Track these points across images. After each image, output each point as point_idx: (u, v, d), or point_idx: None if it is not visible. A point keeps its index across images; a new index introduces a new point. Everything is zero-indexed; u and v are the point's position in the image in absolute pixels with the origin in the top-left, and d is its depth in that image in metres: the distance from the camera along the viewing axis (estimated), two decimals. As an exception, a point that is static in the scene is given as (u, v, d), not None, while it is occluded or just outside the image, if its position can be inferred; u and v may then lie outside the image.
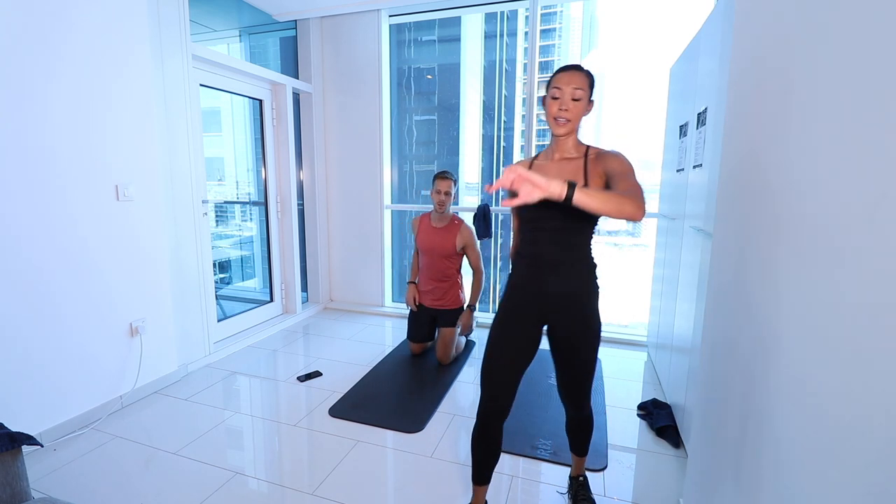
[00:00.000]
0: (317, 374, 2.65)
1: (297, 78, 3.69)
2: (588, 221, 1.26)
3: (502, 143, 5.90)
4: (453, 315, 2.82)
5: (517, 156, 5.17)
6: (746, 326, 1.05)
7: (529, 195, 0.95)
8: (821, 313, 0.75)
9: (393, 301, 4.09)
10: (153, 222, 2.35)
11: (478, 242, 2.88)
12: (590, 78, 1.25)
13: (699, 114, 1.95)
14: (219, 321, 3.05)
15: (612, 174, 1.20)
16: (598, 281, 1.36)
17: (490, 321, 1.51)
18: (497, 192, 3.36)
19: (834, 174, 0.73)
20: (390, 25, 3.70)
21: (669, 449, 1.95)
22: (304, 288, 3.99)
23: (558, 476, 1.77)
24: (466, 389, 2.51)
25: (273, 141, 3.49)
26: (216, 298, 2.96)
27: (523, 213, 1.33)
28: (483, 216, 3.29)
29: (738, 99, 1.22)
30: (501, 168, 5.07)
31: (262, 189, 3.55)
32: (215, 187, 3.90)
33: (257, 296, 3.88)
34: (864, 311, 0.64)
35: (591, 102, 1.27)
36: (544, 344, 1.40)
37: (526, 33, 3.34)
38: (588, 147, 1.30)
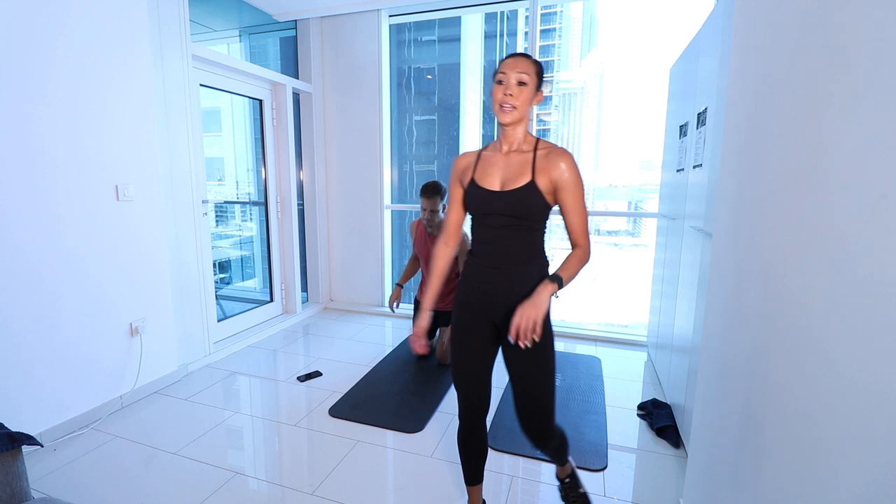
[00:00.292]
0: (317, 374, 2.65)
1: (297, 78, 3.69)
2: (538, 219, 1.20)
3: (502, 143, 5.88)
4: None
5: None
6: (746, 326, 1.05)
7: (538, 318, 1.08)
8: (821, 313, 0.75)
9: (393, 301, 4.08)
10: (153, 222, 2.35)
11: None
12: (537, 66, 1.19)
13: (699, 114, 1.95)
14: (219, 321, 3.05)
15: (563, 190, 1.16)
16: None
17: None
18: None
19: (834, 174, 0.73)
20: (390, 25, 3.69)
21: (669, 449, 1.95)
22: (304, 288, 3.99)
23: (558, 476, 1.78)
24: (466, 389, 2.51)
25: (273, 141, 3.49)
26: (216, 298, 2.96)
27: (472, 210, 1.26)
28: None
29: (738, 99, 1.21)
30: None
31: (262, 189, 3.55)
32: (215, 187, 3.90)
33: (257, 296, 3.89)
34: (863, 310, 0.64)
35: (539, 92, 1.20)
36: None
37: (526, 33, 3.34)
38: (538, 140, 1.23)
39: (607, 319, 3.74)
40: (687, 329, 1.92)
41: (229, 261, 4.21)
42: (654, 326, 2.82)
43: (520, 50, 3.41)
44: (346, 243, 3.97)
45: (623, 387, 2.55)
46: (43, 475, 1.73)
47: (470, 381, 1.31)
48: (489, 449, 1.60)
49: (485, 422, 1.37)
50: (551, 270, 1.21)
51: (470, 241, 1.32)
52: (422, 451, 1.92)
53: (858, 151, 0.67)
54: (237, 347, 3.05)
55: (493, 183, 1.21)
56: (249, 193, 4.07)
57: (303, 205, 3.87)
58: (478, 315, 1.28)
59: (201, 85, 2.81)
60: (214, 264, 3.03)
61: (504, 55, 1.22)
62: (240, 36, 3.62)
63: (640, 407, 2.27)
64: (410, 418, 2.16)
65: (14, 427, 1.70)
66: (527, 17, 3.30)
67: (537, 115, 3.43)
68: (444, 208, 2.65)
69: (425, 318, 1.36)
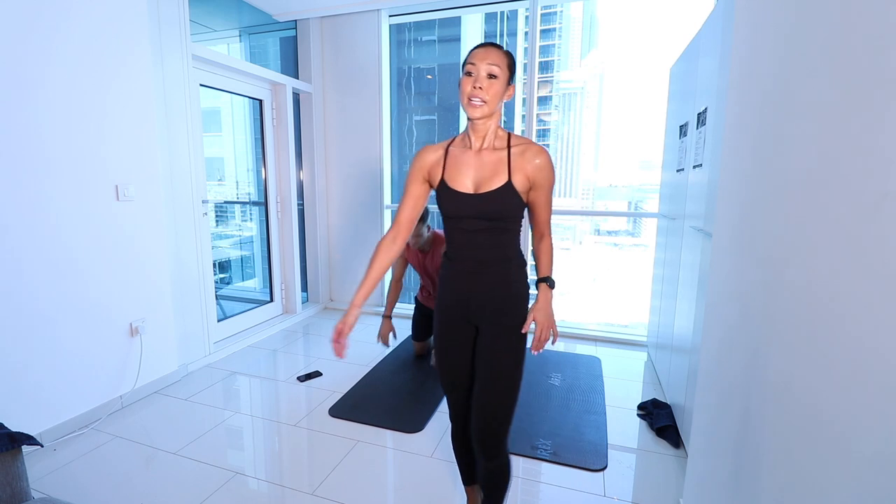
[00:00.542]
0: (317, 374, 2.65)
1: (297, 78, 3.69)
2: (514, 219, 1.16)
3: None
4: None
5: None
6: (746, 326, 1.05)
7: (554, 326, 1.19)
8: (820, 313, 0.75)
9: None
10: (153, 222, 2.35)
11: None
12: (509, 58, 1.12)
13: (699, 114, 1.96)
14: (219, 321, 3.05)
15: (538, 187, 1.14)
16: (528, 280, 1.25)
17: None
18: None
19: (834, 174, 0.73)
20: (390, 25, 3.69)
21: (669, 449, 1.95)
22: (304, 288, 3.99)
23: (558, 476, 1.78)
24: (466, 389, 2.51)
25: (273, 141, 3.49)
26: (216, 298, 2.96)
27: (445, 213, 1.21)
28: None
29: (738, 99, 1.21)
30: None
31: (262, 189, 3.55)
32: (215, 187, 3.90)
33: (257, 296, 3.89)
34: (863, 310, 0.64)
35: (511, 86, 1.14)
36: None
37: (526, 33, 3.34)
38: (510, 135, 1.17)
39: (607, 319, 3.75)
40: (687, 329, 1.92)
41: (229, 261, 4.21)
42: (654, 326, 2.82)
43: (520, 50, 3.40)
44: (346, 243, 3.97)
45: (623, 387, 2.55)
46: (43, 475, 1.73)
47: (457, 382, 1.30)
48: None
49: None
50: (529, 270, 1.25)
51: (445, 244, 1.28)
52: (422, 451, 1.92)
53: (860, 150, 0.67)
54: (237, 347, 3.05)
55: (465, 184, 1.15)
56: (249, 193, 4.07)
57: (303, 205, 3.87)
58: (459, 318, 1.24)
59: (201, 85, 2.81)
60: (214, 264, 3.03)
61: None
62: (240, 36, 3.62)
63: (640, 407, 2.27)
64: (410, 418, 2.16)
65: (14, 427, 1.70)
66: (527, 17, 3.30)
67: (537, 115, 3.43)
68: (428, 229, 2.60)
69: (353, 315, 1.18)
